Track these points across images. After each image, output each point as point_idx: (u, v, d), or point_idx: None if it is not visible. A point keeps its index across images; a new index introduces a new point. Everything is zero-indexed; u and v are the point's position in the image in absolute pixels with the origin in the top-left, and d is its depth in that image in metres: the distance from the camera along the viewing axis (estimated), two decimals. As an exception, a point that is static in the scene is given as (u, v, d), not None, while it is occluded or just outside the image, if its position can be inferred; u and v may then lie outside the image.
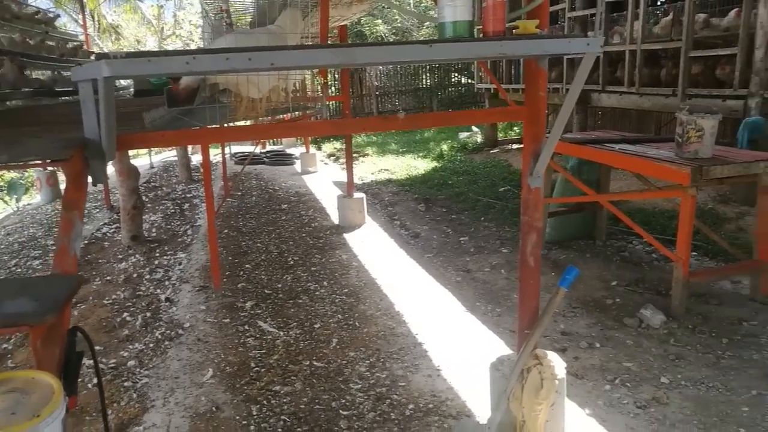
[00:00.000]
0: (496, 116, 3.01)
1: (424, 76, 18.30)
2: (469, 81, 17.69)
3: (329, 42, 8.18)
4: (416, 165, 11.07)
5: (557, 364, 2.70)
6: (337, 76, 16.09)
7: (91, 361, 1.99)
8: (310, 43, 5.27)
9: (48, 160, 2.08)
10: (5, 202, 10.34)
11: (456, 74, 18.57)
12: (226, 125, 3.35)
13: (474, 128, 13.36)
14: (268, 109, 3.19)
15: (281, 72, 3.16)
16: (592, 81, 8.70)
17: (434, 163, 11.16)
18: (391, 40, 18.28)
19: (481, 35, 2.16)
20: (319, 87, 4.13)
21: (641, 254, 5.43)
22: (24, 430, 1.33)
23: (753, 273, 4.35)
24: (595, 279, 4.91)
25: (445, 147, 12.41)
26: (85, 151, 1.92)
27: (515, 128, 13.53)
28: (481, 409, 3.07)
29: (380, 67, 17.35)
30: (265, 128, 3.18)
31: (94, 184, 2.02)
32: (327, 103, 13.62)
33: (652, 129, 9.99)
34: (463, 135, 13.23)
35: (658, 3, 11.33)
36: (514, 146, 11.59)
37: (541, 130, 2.56)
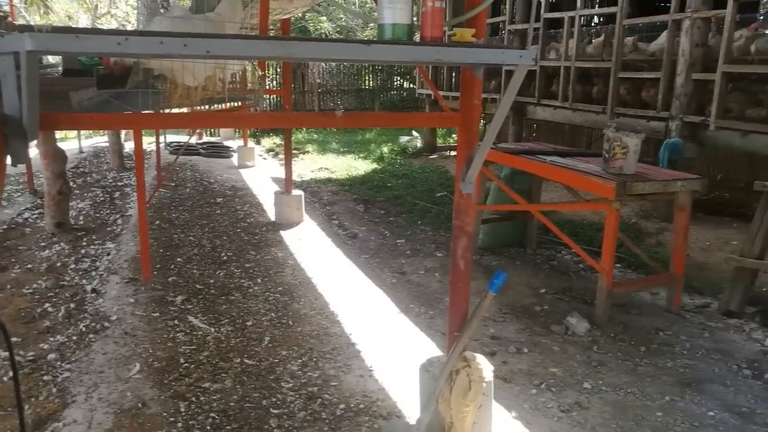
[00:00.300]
0: (431, 121, 3.09)
1: (367, 78, 18.37)
2: (411, 86, 17.89)
3: (270, 34, 8.08)
4: (356, 165, 11.10)
5: (485, 367, 2.79)
6: (279, 70, 15.92)
7: (6, 353, 1.90)
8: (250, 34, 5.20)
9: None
10: None
11: (398, 78, 18.74)
12: (159, 112, 3.26)
13: (414, 133, 13.54)
14: (203, 98, 3.13)
15: (219, 61, 3.11)
16: (528, 94, 9.01)
17: (374, 165, 11.23)
18: (335, 36, 18.27)
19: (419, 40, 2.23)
20: (258, 79, 4.08)
21: (569, 264, 5.66)
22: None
23: (669, 285, 4.63)
24: (524, 286, 5.09)
25: (385, 149, 12.51)
26: (4, 128, 1.83)
27: (454, 136, 13.78)
28: (412, 410, 3.12)
29: (323, 64, 17.28)
30: (200, 117, 3.12)
31: (14, 164, 1.92)
32: (266, 96, 13.39)
33: (583, 143, 10.44)
34: (403, 139, 13.37)
35: (593, 24, 11.85)
36: (452, 153, 11.81)
37: (474, 137, 2.64)
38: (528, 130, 11.65)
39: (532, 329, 4.26)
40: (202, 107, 3.97)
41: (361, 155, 12.17)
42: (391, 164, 11.23)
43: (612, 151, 4.44)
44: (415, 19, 2.25)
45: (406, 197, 8.37)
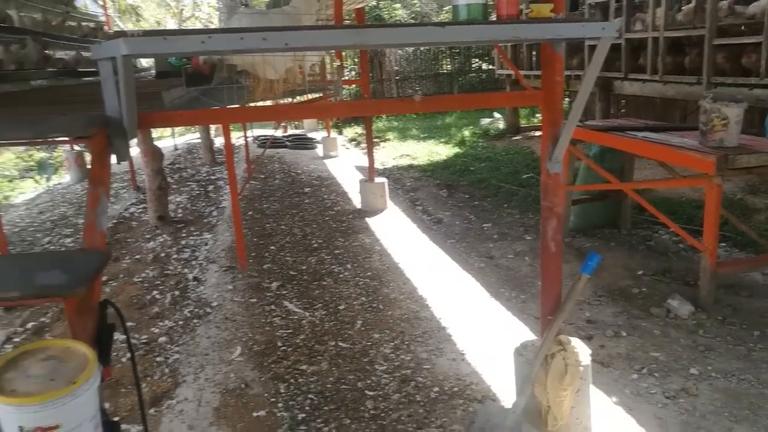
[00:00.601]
0: (512, 100, 3.03)
1: (444, 62, 18.17)
2: (490, 67, 17.52)
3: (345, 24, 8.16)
4: (438, 151, 11.04)
5: (582, 350, 2.71)
6: (356, 60, 16.06)
7: (124, 336, 2.06)
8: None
9: (71, 137, 2.12)
10: (36, 181, 10.53)
11: (477, 60, 18.40)
12: (243, 106, 3.38)
13: (496, 114, 13.28)
14: (285, 90, 3.22)
15: (297, 54, 3.17)
16: (615, 68, 8.58)
17: (456, 149, 11.12)
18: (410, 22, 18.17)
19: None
20: (336, 69, 4.14)
21: (668, 244, 5.38)
22: (63, 395, 1.37)
23: (783, 265, 4.31)
24: (620, 268, 4.89)
25: (466, 133, 12.35)
26: (108, 128, 1.96)
27: (538, 115, 13.40)
28: (506, 394, 3.10)
29: (400, 51, 17.26)
30: (282, 109, 3.21)
31: (118, 161, 2.06)
32: (345, 87, 13.51)
33: (676, 117, 9.84)
34: (485, 121, 13.14)
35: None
36: (537, 133, 11.50)
37: (558, 115, 2.56)
38: (616, 106, 11.12)
39: (630, 312, 4.09)
40: (285, 100, 4.08)
41: (442, 140, 12.09)
42: (473, 148, 11.08)
43: (710, 124, 4.16)
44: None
45: (491, 180, 8.24)
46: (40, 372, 1.48)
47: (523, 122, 12.65)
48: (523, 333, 3.82)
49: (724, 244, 5.15)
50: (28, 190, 10.28)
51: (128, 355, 3.64)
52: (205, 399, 3.15)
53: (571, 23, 2.16)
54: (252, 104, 3.95)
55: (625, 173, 5.73)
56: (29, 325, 4.14)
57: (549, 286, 2.76)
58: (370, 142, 7.34)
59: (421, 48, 17.58)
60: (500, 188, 7.80)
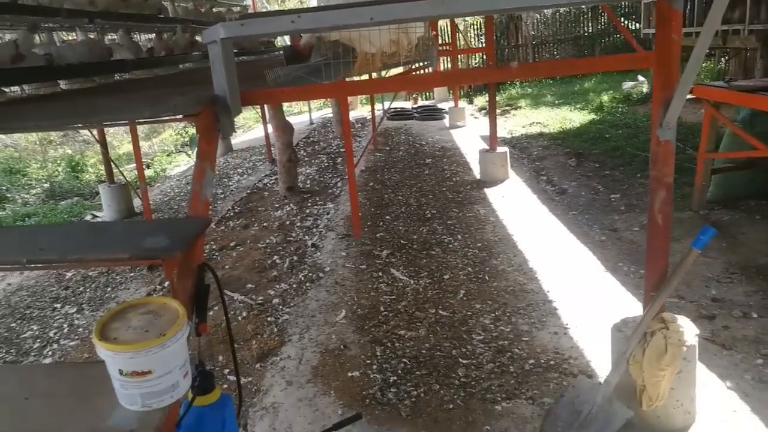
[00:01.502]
0: (621, 63, 2.76)
1: (585, 24, 17.05)
2: (637, 26, 16.14)
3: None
4: (571, 117, 10.49)
5: (687, 329, 2.50)
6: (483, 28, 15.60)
7: (240, 296, 2.24)
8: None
9: (180, 115, 2.32)
10: (188, 155, 11.64)
11: (622, 19, 17.02)
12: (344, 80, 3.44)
13: (640, 78, 12.27)
14: (385, 63, 3.24)
15: (401, 26, 3.17)
16: (781, 18, 7.53)
17: (592, 116, 10.49)
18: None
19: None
20: (431, 40, 4.06)
21: (826, 218, 4.72)
22: (154, 345, 1.55)
23: None
24: (762, 243, 4.38)
25: (605, 98, 11.57)
26: (214, 106, 2.13)
27: (689, 76, 12.18)
28: (605, 372, 2.94)
29: (537, 15, 16.48)
30: (376, 83, 3.24)
31: (224, 137, 2.23)
32: (453, 55, 13.13)
33: None
34: (627, 85, 12.21)
35: None
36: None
37: (673, 77, 2.32)
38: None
39: (767, 292, 3.67)
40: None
41: (578, 106, 11.45)
42: (611, 113, 10.37)
43: None
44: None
45: (626, 148, 7.69)
46: (138, 324, 1.68)
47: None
48: (635, 309, 3.58)
49: None
50: (182, 162, 11.40)
51: (245, 313, 3.99)
52: (306, 358, 3.37)
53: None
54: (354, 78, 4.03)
55: (778, 138, 5.08)
56: (166, 283, 4.66)
57: (654, 261, 2.57)
58: (493, 110, 7.18)
59: (561, 10, 16.66)
60: (636, 157, 7.26)
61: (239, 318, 3.92)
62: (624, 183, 6.40)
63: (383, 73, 4.83)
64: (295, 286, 4.41)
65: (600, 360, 3.08)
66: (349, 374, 3.17)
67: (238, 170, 9.29)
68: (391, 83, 3.08)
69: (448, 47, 12.51)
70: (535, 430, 2.62)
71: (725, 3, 1.93)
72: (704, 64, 12.75)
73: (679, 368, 2.44)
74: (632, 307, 3.66)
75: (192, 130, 12.39)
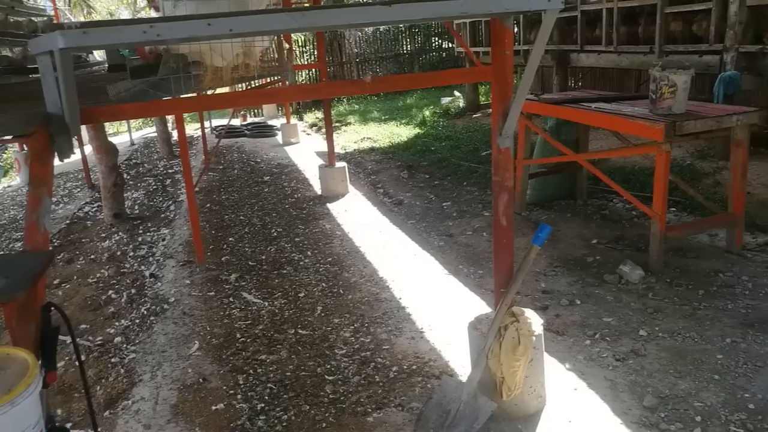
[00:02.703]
0: (463, 77, 3.02)
1: (404, 42, 18.08)
2: (450, 45, 17.51)
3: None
4: (399, 132, 11.03)
5: (534, 320, 2.76)
6: (315, 44, 15.86)
7: (78, 339, 2.01)
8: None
9: (10, 136, 2.05)
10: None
11: (437, 39, 18.35)
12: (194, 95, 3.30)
13: (456, 93, 13.29)
14: (235, 77, 3.15)
15: (246, 39, 3.12)
16: (571, 41, 8.67)
17: (417, 130, 11.12)
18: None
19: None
20: (285, 53, 4.06)
21: (621, 212, 5.49)
22: (0, 404, 1.35)
23: (728, 225, 4.43)
24: (576, 238, 4.97)
25: (427, 113, 12.35)
26: (49, 126, 1.90)
27: (497, 91, 13.47)
28: (464, 369, 3.14)
29: (359, 33, 17.12)
30: (229, 97, 3.15)
31: (61, 159, 2.00)
32: (302, 71, 13.24)
33: (632, 87, 10.00)
34: (445, 100, 13.15)
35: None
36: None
37: (508, 90, 2.56)
38: (573, 78, 11.24)
39: (585, 281, 4.17)
40: (237, 87, 4.00)
41: (403, 121, 12.08)
42: (434, 127, 11.10)
43: (659, 92, 4.23)
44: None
45: (451, 159, 8.27)
46: None
47: (482, 99, 12.70)
48: (480, 307, 3.87)
49: (674, 209, 5.27)
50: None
51: (83, 356, 3.58)
52: (162, 396, 3.12)
53: (518, -3, 2.16)
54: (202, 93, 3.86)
55: (580, 145, 5.81)
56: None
57: (501, 260, 2.79)
58: (329, 126, 7.29)
59: (381, 29, 17.46)
60: (460, 167, 7.84)
61: (77, 363, 3.51)
62: (453, 191, 6.87)
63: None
64: (137, 321, 4.06)
65: (457, 358, 3.27)
66: (213, 408, 3.00)
67: (52, 199, 8.34)
68: (245, 97, 2.98)
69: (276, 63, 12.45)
70: (408, 435, 2.70)
71: (551, 24, 2.18)
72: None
73: (530, 357, 2.68)
74: (477, 305, 3.95)
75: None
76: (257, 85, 4.66)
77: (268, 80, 5.57)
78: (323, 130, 12.10)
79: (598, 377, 3.04)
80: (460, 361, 3.24)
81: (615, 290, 3.99)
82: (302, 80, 16.17)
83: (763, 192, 5.38)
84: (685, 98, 4.20)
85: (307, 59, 16.64)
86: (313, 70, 15.49)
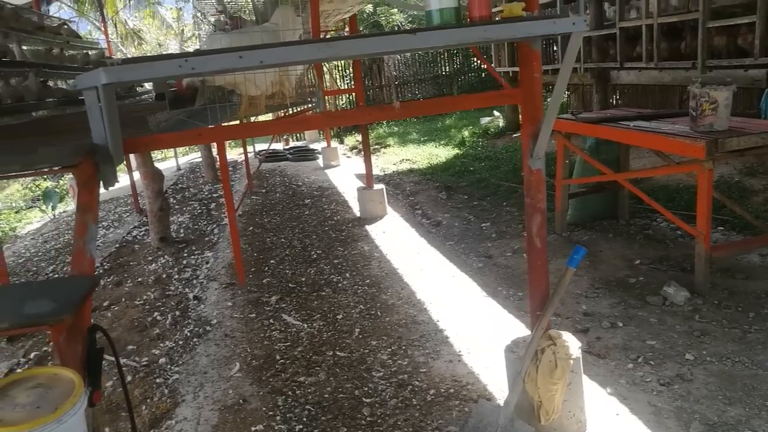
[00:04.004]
0: (491, 100, 3.02)
1: (443, 63, 18.19)
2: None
3: (332, 35, 8.21)
4: (437, 153, 11.06)
5: (572, 344, 2.71)
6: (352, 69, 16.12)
7: (121, 359, 2.09)
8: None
9: (58, 167, 2.17)
10: (42, 210, 10.67)
11: (475, 60, 18.39)
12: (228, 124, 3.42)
13: (496, 113, 13.27)
14: (269, 105, 3.26)
15: (281, 69, 3.22)
16: (610, 58, 8.57)
17: (456, 150, 11.14)
18: (407, 28, 18.19)
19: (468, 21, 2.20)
20: (315, 81, 4.16)
21: (665, 231, 5.36)
22: (48, 421, 1.41)
23: (779, 245, 4.28)
24: (618, 258, 4.88)
25: (466, 133, 12.36)
26: (94, 156, 2.01)
27: (537, 110, 13.37)
28: (502, 392, 3.10)
29: (398, 56, 17.32)
30: (260, 125, 3.25)
31: (106, 187, 2.10)
32: (334, 96, 13.44)
33: (675, 104, 9.79)
34: (484, 120, 13.14)
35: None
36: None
37: (537, 112, 2.57)
38: (615, 96, 11.08)
39: (627, 302, 4.08)
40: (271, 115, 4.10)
41: (442, 142, 12.12)
42: (473, 147, 11.09)
43: (700, 108, 4.15)
44: (463, 2, 2.24)
45: (490, 180, 8.24)
46: (26, 400, 1.51)
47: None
48: (519, 330, 3.82)
49: (721, 228, 5.12)
50: (34, 220, 10.43)
51: (129, 377, 3.70)
52: (203, 417, 3.19)
53: (542, 20, 2.18)
54: (238, 121, 3.99)
55: (621, 164, 5.72)
56: (32, 355, 4.21)
57: (536, 282, 2.77)
58: (367, 149, 7.39)
59: (420, 52, 17.63)
60: (500, 187, 7.80)
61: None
62: (492, 212, 6.84)
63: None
64: (181, 342, 4.17)
65: (495, 382, 3.23)
66: (253, 429, 3.04)
67: (103, 223, 8.68)
68: (275, 125, 3.07)
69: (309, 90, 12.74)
70: (444, 459, 2.68)
71: (577, 47, 2.19)
72: (548, 100, 14.11)
73: (569, 381, 2.63)
74: (516, 327, 3.90)
75: (46, 184, 11.40)
76: (293, 112, 4.78)
77: (303, 107, 5.70)
78: (363, 152, 12.28)
79: (641, 402, 2.96)
80: (498, 385, 3.21)
81: (659, 312, 3.89)
82: (342, 104, 16.44)
83: (816, 209, 5.18)
84: (727, 114, 4.10)
85: (348, 83, 16.93)
86: (352, 94, 15.69)
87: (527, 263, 2.77)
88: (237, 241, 5.11)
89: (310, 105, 4.95)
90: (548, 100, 2.93)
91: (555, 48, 11.00)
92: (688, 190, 6.13)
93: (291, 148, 13.46)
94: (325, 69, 5.39)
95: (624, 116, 5.20)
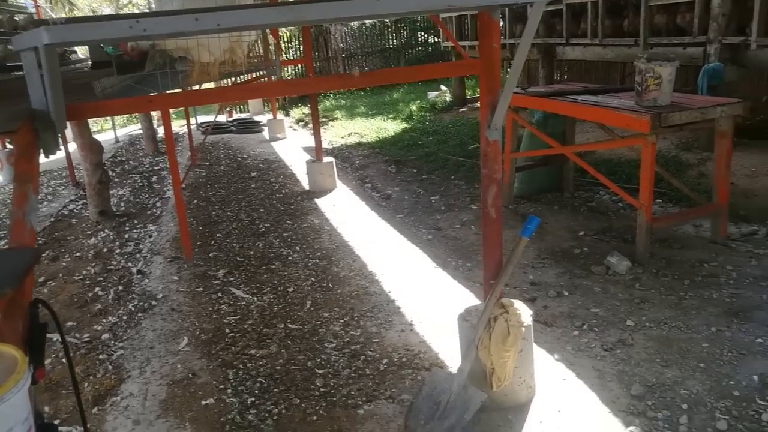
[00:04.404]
0: (451, 70, 2.98)
1: (390, 37, 18.05)
2: (436, 40, 17.51)
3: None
4: (386, 127, 11.02)
5: (523, 311, 2.77)
6: (301, 39, 15.78)
7: (65, 336, 1.99)
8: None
9: (-6, 132, 2.03)
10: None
11: (422, 33, 18.35)
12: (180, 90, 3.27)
13: (443, 87, 13.31)
14: (222, 72, 3.13)
15: (233, 35, 3.09)
16: (556, 34, 8.70)
17: (404, 125, 11.12)
18: None
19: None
20: (272, 48, 4.03)
21: (608, 204, 5.53)
22: (-12, 400, 1.33)
23: (713, 216, 4.48)
24: (563, 230, 5.01)
25: (414, 107, 12.36)
26: (34, 122, 1.88)
27: (483, 85, 13.47)
28: (454, 360, 3.15)
29: (345, 28, 17.07)
30: (215, 92, 3.12)
31: (46, 155, 1.98)
32: (287, 67, 13.05)
33: (617, 80, 10.07)
34: (431, 95, 13.17)
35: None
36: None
37: (496, 83, 2.57)
38: (560, 72, 11.30)
39: (572, 272, 4.20)
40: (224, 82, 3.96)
41: (390, 116, 12.07)
42: (420, 122, 11.10)
43: (645, 84, 4.26)
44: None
45: (438, 153, 8.28)
46: None
47: (469, 93, 12.71)
48: (469, 299, 3.89)
49: (660, 200, 5.33)
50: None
51: (70, 354, 3.55)
52: (151, 392, 3.10)
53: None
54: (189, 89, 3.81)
55: (567, 137, 5.85)
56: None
57: (490, 252, 2.80)
58: (316, 121, 7.27)
59: (367, 23, 17.42)
60: (447, 161, 7.85)
61: (63, 360, 3.48)
62: (441, 185, 6.88)
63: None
64: (125, 318, 4.03)
65: (447, 350, 3.28)
66: (203, 402, 2.98)
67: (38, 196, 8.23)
68: (231, 91, 2.95)
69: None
70: (399, 427, 2.71)
71: (538, 17, 2.19)
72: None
73: (520, 348, 2.69)
74: (465, 297, 3.96)
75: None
76: (245, 80, 4.63)
77: (254, 75, 5.53)
78: (310, 125, 12.08)
79: (586, 367, 3.06)
80: (449, 352, 3.25)
81: (602, 281, 4.02)
82: (288, 76, 16.09)
83: (746, 183, 5.45)
84: (670, 90, 4.23)
85: (293, 55, 16.57)
86: (299, 65, 15.39)
87: (482, 233, 2.80)
88: (183, 215, 4.96)
89: (263, 74, 4.81)
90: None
91: (501, 23, 11.07)
92: (628, 163, 6.34)
93: (235, 120, 13.11)
94: (270, 40, 5.22)
95: (572, 90, 5.29)
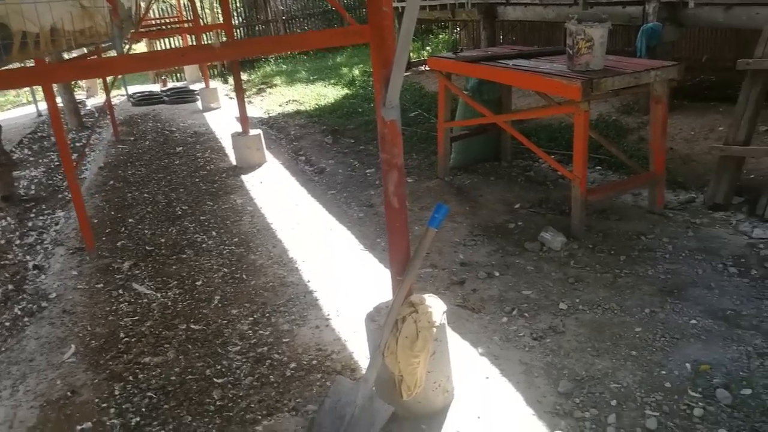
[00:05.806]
0: (335, 38, 2.52)
1: (333, -2, 17.29)
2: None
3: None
4: (326, 93, 10.52)
5: (436, 308, 2.47)
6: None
7: None
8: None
9: None
10: None
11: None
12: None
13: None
14: (57, 46, 2.63)
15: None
16: (497, -7, 8.33)
17: (345, 90, 10.64)
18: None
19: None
20: (109, 16, 3.49)
21: (546, 173, 5.28)
22: None
23: (650, 185, 4.27)
24: (498, 203, 4.74)
25: (356, 72, 11.85)
26: None
27: (428, 48, 13.05)
28: (368, 361, 2.85)
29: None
30: (42, 71, 2.63)
31: None
32: (201, 32, 12.12)
33: (561, 41, 9.79)
34: (375, 58, 12.63)
35: None
36: (426, 68, 11.16)
37: (389, 53, 2.19)
38: (503, 33, 10.93)
39: (505, 249, 3.94)
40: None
41: (332, 81, 11.54)
42: (363, 87, 10.62)
43: (576, 47, 3.96)
44: None
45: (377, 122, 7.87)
46: None
47: (413, 56, 12.24)
48: (392, 288, 3.58)
49: (599, 168, 5.11)
50: None
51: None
52: (19, 417, 2.70)
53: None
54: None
55: (503, 105, 5.54)
56: None
57: (396, 246, 2.47)
58: (240, 91, 6.75)
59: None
60: (386, 129, 7.45)
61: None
62: (378, 157, 6.47)
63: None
64: (7, 324, 3.58)
65: (363, 349, 2.97)
66: (78, 428, 2.60)
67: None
68: (63, 69, 2.45)
69: (190, 24, 11.68)
70: (298, 446, 2.40)
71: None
72: (441, 36, 13.77)
73: (432, 350, 2.40)
74: (390, 285, 3.65)
75: None
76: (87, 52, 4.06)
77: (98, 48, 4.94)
78: (248, 93, 11.45)
79: (512, 361, 2.81)
80: (365, 352, 2.94)
81: (536, 259, 3.78)
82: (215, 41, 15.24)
83: (685, 147, 5.27)
84: (602, 53, 3.94)
85: (215, 18, 15.71)
86: (219, 31, 14.32)
87: (386, 225, 2.47)
88: (79, 200, 4.48)
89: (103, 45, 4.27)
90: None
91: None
92: (569, 129, 6.07)
93: (168, 89, 12.35)
94: (198, 2, 4.67)
95: (504, 54, 4.95)
